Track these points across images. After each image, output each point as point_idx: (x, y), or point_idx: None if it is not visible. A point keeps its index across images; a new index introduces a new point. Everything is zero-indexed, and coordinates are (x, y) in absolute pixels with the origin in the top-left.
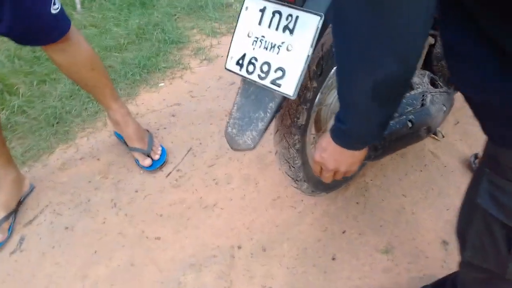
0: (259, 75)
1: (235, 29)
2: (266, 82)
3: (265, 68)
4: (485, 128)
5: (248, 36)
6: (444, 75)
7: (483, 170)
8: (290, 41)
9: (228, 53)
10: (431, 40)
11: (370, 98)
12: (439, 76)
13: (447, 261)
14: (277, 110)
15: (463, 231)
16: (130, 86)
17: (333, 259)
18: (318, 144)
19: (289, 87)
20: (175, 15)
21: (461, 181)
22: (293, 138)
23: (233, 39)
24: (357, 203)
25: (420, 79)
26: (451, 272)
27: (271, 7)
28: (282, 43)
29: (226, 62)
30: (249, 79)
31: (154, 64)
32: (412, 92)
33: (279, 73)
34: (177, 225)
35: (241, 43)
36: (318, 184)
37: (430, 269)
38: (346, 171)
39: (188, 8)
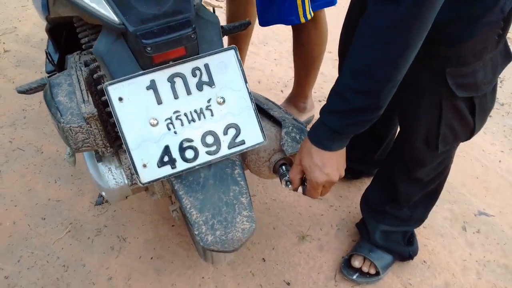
0: (208, 152)
1: (121, 133)
2: (223, 152)
3: (209, 140)
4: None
5: (152, 125)
6: None
7: (443, 73)
8: (217, 93)
9: (134, 165)
10: None
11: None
12: None
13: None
14: (243, 171)
15: (433, 136)
16: None
17: (288, 283)
18: (311, 167)
19: (254, 135)
20: None
21: None
22: None
23: (128, 143)
24: None
25: None
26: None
27: (162, 76)
28: (208, 101)
29: (138, 178)
30: (197, 166)
31: None
32: None
33: (232, 132)
34: None
35: (147, 140)
36: None
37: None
38: (341, 174)
39: None
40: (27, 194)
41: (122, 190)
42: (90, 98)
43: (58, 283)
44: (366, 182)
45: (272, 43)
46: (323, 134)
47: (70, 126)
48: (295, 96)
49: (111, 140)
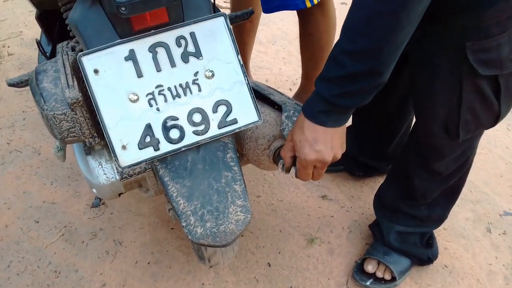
0: (195, 132)
1: (97, 110)
2: (213, 132)
3: (197, 118)
4: None
5: (132, 101)
6: None
7: (462, 48)
8: (204, 65)
9: (112, 146)
10: None
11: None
12: None
13: (344, 205)
14: (237, 155)
15: (453, 121)
16: None
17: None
18: (301, 142)
19: (248, 113)
20: None
21: None
22: None
23: (105, 121)
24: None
25: None
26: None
27: (142, 45)
28: (195, 74)
29: (117, 161)
30: (183, 148)
31: None
32: None
33: (223, 109)
34: None
35: (126, 117)
36: None
37: (349, 214)
38: (337, 156)
39: None
40: (21, 196)
41: (114, 186)
42: (76, 83)
43: None
44: (380, 181)
45: (281, 42)
46: (316, 105)
47: (54, 114)
48: (303, 91)
49: (99, 130)
